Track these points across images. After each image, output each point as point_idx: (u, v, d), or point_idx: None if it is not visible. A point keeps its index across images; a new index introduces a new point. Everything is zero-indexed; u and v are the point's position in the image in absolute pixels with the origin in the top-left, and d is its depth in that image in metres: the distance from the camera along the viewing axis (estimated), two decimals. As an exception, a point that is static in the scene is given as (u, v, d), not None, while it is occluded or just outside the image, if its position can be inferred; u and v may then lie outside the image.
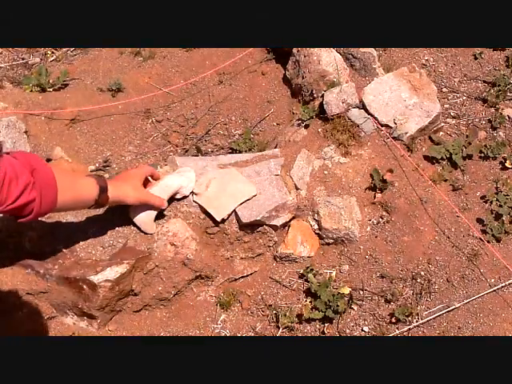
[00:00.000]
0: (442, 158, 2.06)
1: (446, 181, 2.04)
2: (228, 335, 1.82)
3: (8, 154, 1.32)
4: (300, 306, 1.84)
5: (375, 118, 2.05)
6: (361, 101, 2.07)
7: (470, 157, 2.10)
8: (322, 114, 2.08)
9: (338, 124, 2.04)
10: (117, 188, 1.55)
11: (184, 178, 1.76)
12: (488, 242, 1.91)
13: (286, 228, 1.90)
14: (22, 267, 1.64)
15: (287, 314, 1.81)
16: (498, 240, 1.93)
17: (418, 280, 1.86)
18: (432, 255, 1.90)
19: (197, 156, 2.16)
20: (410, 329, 1.79)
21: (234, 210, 1.79)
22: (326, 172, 1.97)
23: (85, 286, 1.62)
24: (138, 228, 1.72)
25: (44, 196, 1.35)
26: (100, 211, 1.75)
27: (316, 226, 1.92)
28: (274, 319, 1.84)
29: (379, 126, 2.05)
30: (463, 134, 2.16)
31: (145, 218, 1.69)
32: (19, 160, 1.32)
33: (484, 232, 1.93)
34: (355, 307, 1.84)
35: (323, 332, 1.80)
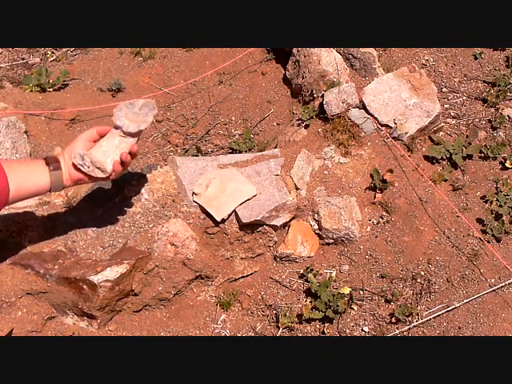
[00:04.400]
0: (442, 158, 2.06)
1: (446, 181, 2.04)
2: (228, 335, 1.82)
3: None
4: (300, 306, 1.84)
5: (375, 118, 2.05)
6: (361, 101, 2.07)
7: (470, 157, 2.10)
8: (322, 114, 2.08)
9: (338, 124, 2.04)
10: (63, 152, 1.48)
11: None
12: (488, 242, 1.91)
13: (286, 228, 1.90)
14: (22, 267, 1.64)
15: (287, 314, 1.81)
16: (498, 240, 1.93)
17: (418, 280, 1.86)
18: (432, 255, 1.90)
19: (197, 156, 2.16)
20: (409, 329, 1.79)
21: (234, 210, 1.79)
22: (326, 172, 1.97)
23: (85, 286, 1.62)
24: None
25: None
26: (100, 211, 1.75)
27: (316, 226, 1.92)
28: (274, 319, 1.84)
29: (379, 126, 2.05)
30: (463, 134, 2.16)
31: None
32: None
33: (484, 232, 1.93)
34: (355, 307, 1.84)
35: (323, 332, 1.80)
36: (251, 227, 1.83)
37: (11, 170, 1.36)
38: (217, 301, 1.86)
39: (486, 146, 2.09)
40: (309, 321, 1.82)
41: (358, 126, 2.04)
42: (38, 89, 2.22)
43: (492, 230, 1.92)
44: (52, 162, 1.44)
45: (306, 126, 2.10)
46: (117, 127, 1.52)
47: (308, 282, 1.83)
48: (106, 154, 1.50)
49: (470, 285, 1.85)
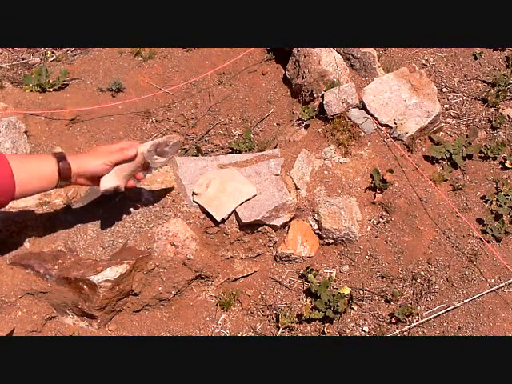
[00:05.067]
0: (442, 158, 2.06)
1: (446, 181, 2.04)
2: (228, 335, 1.82)
3: None
4: (300, 306, 1.84)
5: (375, 118, 2.05)
6: (361, 101, 2.07)
7: (470, 157, 2.10)
8: (322, 114, 2.08)
9: (338, 124, 2.04)
10: (78, 157, 1.48)
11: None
12: (488, 242, 1.91)
13: (286, 228, 1.90)
14: (22, 267, 1.64)
15: (287, 314, 1.81)
16: (498, 240, 1.93)
17: (418, 280, 1.86)
18: (432, 255, 1.90)
19: (197, 156, 2.16)
20: (409, 329, 1.79)
21: (234, 210, 1.79)
22: (326, 172, 1.97)
23: (85, 286, 1.62)
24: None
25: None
26: (100, 211, 1.75)
27: (316, 226, 1.92)
28: (274, 319, 1.84)
29: (379, 126, 2.05)
30: (463, 134, 2.16)
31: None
32: None
33: (484, 232, 1.93)
34: (355, 307, 1.84)
35: (323, 332, 1.80)
36: (251, 227, 1.83)
37: (19, 172, 1.36)
38: (217, 301, 1.86)
39: (486, 145, 2.09)
40: (309, 321, 1.82)
41: (358, 126, 2.04)
42: (38, 89, 2.22)
43: (492, 230, 1.92)
44: (61, 160, 1.44)
45: (306, 126, 2.10)
46: (144, 160, 1.58)
47: (308, 282, 1.83)
48: (125, 179, 1.58)
49: (470, 285, 1.85)
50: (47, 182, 1.43)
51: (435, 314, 1.81)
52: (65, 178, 1.44)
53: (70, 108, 2.16)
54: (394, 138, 2.04)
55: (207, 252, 1.82)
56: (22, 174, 1.37)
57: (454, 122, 2.21)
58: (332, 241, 1.92)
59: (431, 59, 2.37)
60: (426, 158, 2.07)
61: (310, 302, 1.82)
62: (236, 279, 1.89)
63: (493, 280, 1.86)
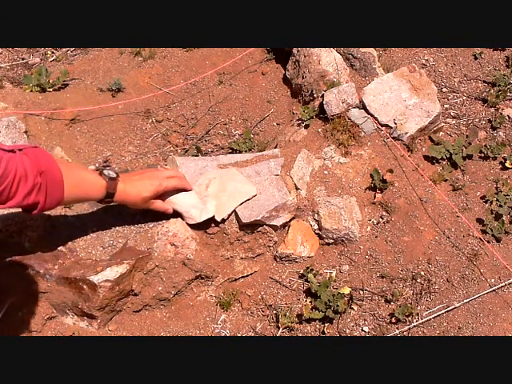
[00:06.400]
0: (442, 158, 2.06)
1: (446, 181, 2.04)
2: (228, 335, 1.82)
3: (20, 150, 1.33)
4: (300, 306, 1.84)
5: (375, 118, 2.05)
6: (361, 101, 2.07)
7: (470, 157, 2.10)
8: (322, 114, 2.08)
9: (338, 124, 2.04)
10: (124, 195, 1.58)
11: (195, 205, 1.74)
12: (488, 242, 1.91)
13: (286, 228, 1.90)
14: (22, 267, 1.64)
15: (287, 314, 1.81)
16: (498, 240, 1.93)
17: (418, 280, 1.86)
18: (432, 255, 1.90)
19: (197, 156, 2.16)
20: (409, 329, 1.79)
21: (234, 210, 1.79)
22: (326, 172, 1.97)
23: (85, 286, 1.62)
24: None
25: (49, 197, 1.38)
26: (100, 211, 1.75)
27: (316, 226, 1.92)
28: (274, 319, 1.84)
29: (379, 126, 2.05)
30: (463, 134, 2.16)
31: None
32: (30, 158, 1.33)
33: (484, 232, 1.93)
34: (355, 307, 1.84)
35: (323, 332, 1.80)
36: (251, 227, 1.83)
37: (69, 189, 1.45)
38: (217, 301, 1.86)
39: (486, 145, 2.09)
40: (309, 321, 1.82)
41: (358, 126, 2.04)
42: (38, 89, 2.21)
43: (492, 230, 1.92)
44: (108, 197, 1.56)
45: (306, 126, 2.10)
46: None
47: (308, 282, 1.83)
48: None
49: (470, 285, 1.85)
50: (87, 201, 1.65)
51: (435, 314, 1.81)
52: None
53: (70, 108, 2.16)
54: (394, 137, 2.04)
55: (207, 252, 1.82)
56: (71, 192, 1.47)
57: (454, 122, 2.21)
58: (332, 241, 1.92)
59: (431, 59, 2.37)
60: (426, 157, 2.07)
61: (310, 302, 1.82)
62: (236, 279, 1.89)
63: (493, 280, 1.86)
